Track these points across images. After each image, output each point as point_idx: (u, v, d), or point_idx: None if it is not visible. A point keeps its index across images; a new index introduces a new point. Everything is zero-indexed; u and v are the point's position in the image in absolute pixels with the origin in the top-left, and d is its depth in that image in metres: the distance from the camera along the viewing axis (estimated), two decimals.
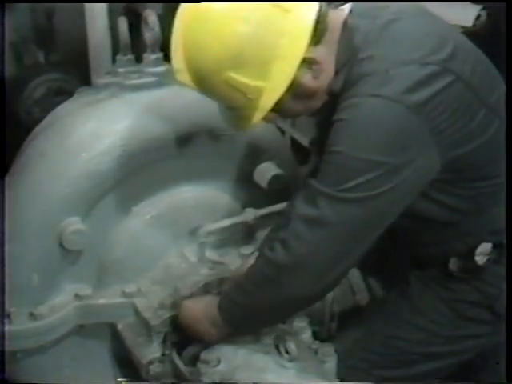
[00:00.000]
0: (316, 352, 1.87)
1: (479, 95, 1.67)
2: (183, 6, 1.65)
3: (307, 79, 1.66)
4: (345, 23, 1.68)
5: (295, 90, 1.65)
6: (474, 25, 3.05)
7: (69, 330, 2.03)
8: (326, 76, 1.68)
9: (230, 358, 1.77)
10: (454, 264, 1.84)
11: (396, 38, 1.65)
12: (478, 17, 3.06)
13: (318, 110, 1.76)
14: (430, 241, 1.87)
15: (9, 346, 1.95)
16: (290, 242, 1.62)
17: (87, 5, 2.54)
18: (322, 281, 1.64)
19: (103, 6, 2.54)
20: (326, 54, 1.66)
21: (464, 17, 3.04)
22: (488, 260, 1.79)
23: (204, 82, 1.65)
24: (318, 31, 1.62)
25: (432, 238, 1.87)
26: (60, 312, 1.99)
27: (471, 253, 1.79)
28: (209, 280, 1.99)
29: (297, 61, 1.59)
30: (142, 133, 1.98)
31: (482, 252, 1.79)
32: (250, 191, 2.21)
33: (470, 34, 2.96)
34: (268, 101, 1.62)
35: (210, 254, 2.08)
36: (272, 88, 1.61)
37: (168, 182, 2.11)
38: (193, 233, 2.12)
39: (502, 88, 1.79)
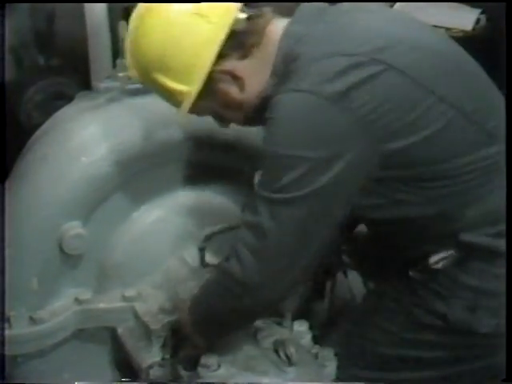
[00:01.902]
0: (316, 356, 1.87)
1: (424, 85, 1.57)
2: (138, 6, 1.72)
3: (233, 91, 1.68)
4: (283, 34, 1.65)
5: (223, 99, 1.70)
6: (474, 29, 3.06)
7: (69, 334, 2.03)
8: (253, 89, 1.67)
9: (229, 363, 1.77)
10: (414, 267, 1.75)
11: (326, 36, 1.62)
12: (478, 21, 3.07)
13: (259, 117, 1.71)
14: (397, 242, 1.81)
15: (9, 351, 1.95)
16: (239, 251, 1.61)
17: (87, 9, 2.54)
18: (275, 287, 1.61)
19: (104, 10, 2.54)
20: (254, 69, 1.66)
21: (464, 21, 3.05)
22: (443, 263, 1.68)
23: (144, 80, 1.74)
24: (244, 46, 1.64)
25: (398, 239, 1.80)
26: (60, 316, 1.99)
27: (428, 255, 1.70)
28: None
29: (203, 73, 1.63)
30: (142, 137, 1.98)
31: (440, 255, 1.68)
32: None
33: (470, 37, 2.99)
34: (186, 105, 1.68)
35: (210, 258, 2.08)
36: (190, 94, 1.65)
37: (168, 186, 2.11)
38: (193, 237, 2.12)
39: (468, 80, 1.69)
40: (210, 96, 1.70)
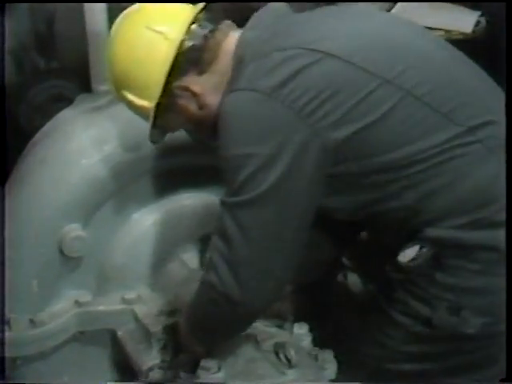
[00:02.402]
0: (316, 358, 1.86)
1: (366, 69, 1.53)
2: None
3: (192, 107, 1.69)
4: (237, 43, 1.65)
5: (184, 115, 1.70)
6: (474, 31, 3.06)
7: (69, 336, 2.03)
8: (212, 103, 1.66)
9: (230, 365, 1.77)
10: (388, 267, 1.70)
11: (270, 37, 1.61)
12: (478, 23, 3.07)
13: None
14: (374, 240, 1.79)
15: (9, 353, 1.95)
16: (214, 261, 1.60)
17: (87, 11, 2.54)
18: (257, 294, 1.59)
19: (103, 13, 2.54)
20: (212, 84, 1.66)
21: (463, 23, 3.05)
22: (417, 262, 1.62)
23: (117, 96, 1.76)
24: (201, 62, 1.64)
25: (373, 237, 1.78)
26: (60, 319, 1.99)
27: (398, 253, 1.64)
28: None
29: (159, 88, 1.63)
30: (142, 139, 1.97)
31: (411, 252, 1.62)
32: None
33: (470, 40, 2.99)
34: (149, 121, 1.70)
35: None
36: (152, 110, 1.67)
37: (168, 188, 2.12)
38: (192, 239, 2.12)
39: (423, 64, 1.61)
40: (174, 112, 1.70)
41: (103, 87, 2.16)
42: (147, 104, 1.66)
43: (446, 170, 1.56)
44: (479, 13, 3.09)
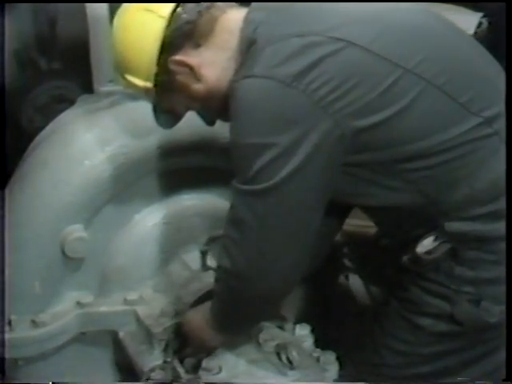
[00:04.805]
0: (318, 360, 1.86)
1: (388, 59, 1.52)
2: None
3: (191, 81, 1.66)
4: (244, 21, 1.63)
5: (186, 92, 1.68)
6: (476, 32, 3.06)
7: (70, 337, 2.03)
8: (211, 77, 1.65)
9: (231, 366, 1.77)
10: (405, 259, 1.69)
11: (283, 19, 1.59)
12: (480, 24, 3.07)
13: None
14: (387, 230, 1.77)
15: (10, 354, 1.95)
16: (226, 245, 1.62)
17: (89, 12, 2.54)
18: (269, 277, 1.59)
19: (105, 14, 2.55)
20: (209, 57, 1.64)
21: (465, 24, 3.04)
22: (435, 256, 1.62)
23: (122, 82, 1.76)
24: (194, 35, 1.62)
25: (388, 227, 1.76)
26: (61, 320, 1.99)
27: (415, 246, 1.64)
28: (211, 288, 1.98)
29: (153, 65, 1.63)
30: (144, 141, 1.98)
31: (429, 243, 1.63)
32: None
33: None
34: (152, 101, 1.72)
35: (212, 262, 2.08)
36: (153, 90, 1.67)
37: (170, 189, 2.12)
38: (195, 240, 2.12)
39: (440, 52, 1.60)
40: (176, 91, 1.69)
41: (105, 88, 2.16)
42: (149, 84, 1.66)
43: (467, 162, 1.56)
44: (481, 14, 3.09)
